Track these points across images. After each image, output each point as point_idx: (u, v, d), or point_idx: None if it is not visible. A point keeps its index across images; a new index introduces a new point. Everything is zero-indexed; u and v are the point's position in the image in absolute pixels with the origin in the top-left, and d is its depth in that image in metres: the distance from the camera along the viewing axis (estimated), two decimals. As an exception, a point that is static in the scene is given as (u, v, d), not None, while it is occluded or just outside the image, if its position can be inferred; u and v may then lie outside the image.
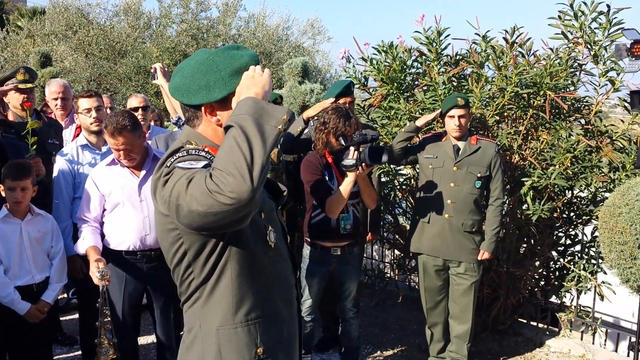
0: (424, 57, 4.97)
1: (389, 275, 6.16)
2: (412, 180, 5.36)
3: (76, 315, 4.47)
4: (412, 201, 5.36)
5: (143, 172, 3.45)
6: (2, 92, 4.22)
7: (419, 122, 4.20)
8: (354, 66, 5.16)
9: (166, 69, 3.61)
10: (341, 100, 4.19)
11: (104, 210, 3.46)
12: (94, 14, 15.13)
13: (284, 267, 1.82)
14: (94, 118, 3.86)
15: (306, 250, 3.87)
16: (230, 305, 1.65)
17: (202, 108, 1.68)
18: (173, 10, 15.14)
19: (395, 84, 4.91)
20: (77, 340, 4.46)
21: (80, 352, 4.14)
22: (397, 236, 5.62)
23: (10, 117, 4.30)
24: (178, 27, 14.92)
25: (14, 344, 3.43)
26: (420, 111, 4.87)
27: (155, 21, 15.30)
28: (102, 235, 3.47)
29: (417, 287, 5.67)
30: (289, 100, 9.20)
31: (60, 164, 3.83)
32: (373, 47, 5.01)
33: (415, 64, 5.06)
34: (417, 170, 4.79)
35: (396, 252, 6.02)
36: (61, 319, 4.89)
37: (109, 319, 3.13)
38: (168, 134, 4.66)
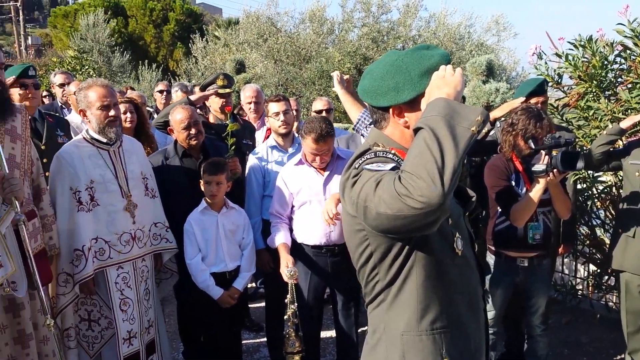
0: (628, 51, 4.43)
1: (582, 292, 5.61)
2: (614, 188, 4.82)
3: (262, 304, 4.78)
4: (612, 212, 4.82)
5: (327, 172, 3.60)
6: (204, 96, 4.67)
7: (624, 124, 3.75)
8: (546, 63, 4.79)
9: (344, 76, 3.68)
10: (532, 100, 3.92)
11: (293, 206, 3.68)
12: (282, 23, 16.15)
13: (470, 277, 1.73)
14: (281, 121, 4.09)
15: (490, 259, 3.68)
16: (415, 312, 1.61)
17: (390, 110, 1.66)
18: (355, 14, 15.54)
19: (595, 82, 4.45)
20: (262, 328, 4.77)
21: (265, 339, 4.43)
22: (593, 250, 5.10)
23: (211, 119, 4.75)
24: (359, 31, 15.28)
25: (208, 326, 3.77)
26: (624, 111, 4.35)
27: (337, 26, 15.85)
28: (291, 230, 3.70)
29: (615, 307, 5.08)
30: (471, 100, 8.90)
31: (252, 163, 4.13)
32: (569, 42, 4.60)
33: (618, 59, 4.54)
34: (620, 178, 4.29)
35: (591, 267, 5.46)
36: (249, 306, 5.27)
37: (297, 313, 3.30)
38: (349, 135, 4.77)
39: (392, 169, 1.48)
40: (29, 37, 36.22)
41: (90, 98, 3.38)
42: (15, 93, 3.89)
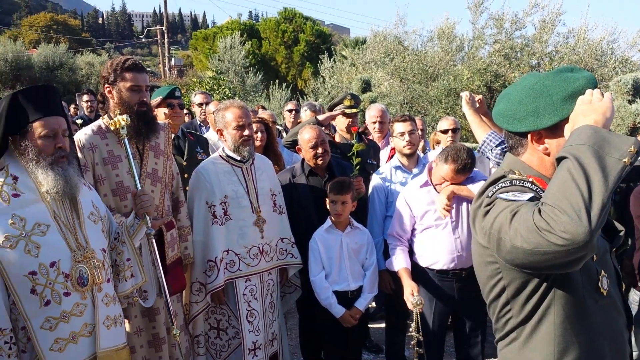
0: None
1: None
2: None
3: (383, 325, 4.72)
4: None
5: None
6: (331, 116, 4.77)
7: None
8: None
9: (476, 97, 3.55)
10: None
11: (414, 229, 3.61)
12: (410, 41, 16.08)
13: (616, 319, 1.58)
14: (406, 141, 4.05)
15: (635, 296, 3.34)
16: (551, 354, 1.49)
17: (529, 135, 1.57)
18: (486, 31, 15.07)
19: None
20: (382, 349, 4.71)
21: (384, 362, 4.37)
22: None
23: (337, 139, 4.82)
24: (490, 48, 14.78)
25: (328, 343, 3.80)
26: None
27: (467, 43, 15.47)
28: (411, 253, 3.62)
29: None
30: (616, 122, 8.23)
31: (375, 182, 4.13)
32: None
33: None
34: None
35: None
36: (369, 326, 5.24)
37: (422, 342, 3.22)
38: (478, 155, 4.60)
39: (530, 199, 1.39)
40: (172, 59, 39.44)
41: (227, 118, 3.59)
42: (162, 112, 4.23)
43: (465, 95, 3.59)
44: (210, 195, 3.57)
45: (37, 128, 2.48)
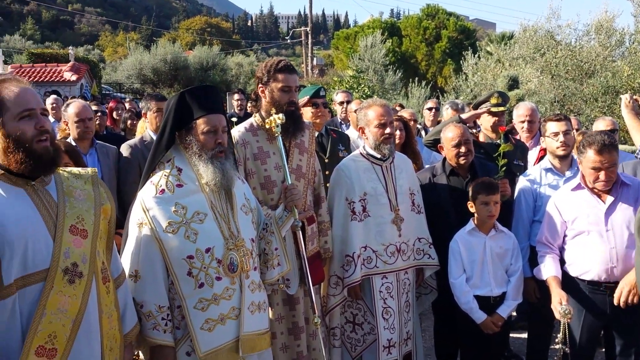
0: None
1: None
2: None
3: (523, 335, 4.50)
4: None
5: (610, 199, 3.22)
6: (476, 115, 4.61)
7: None
8: None
9: (638, 101, 3.24)
10: None
11: (565, 236, 3.38)
12: (563, 35, 15.03)
13: None
14: (561, 142, 3.80)
15: None
16: None
17: None
18: (654, 24, 13.64)
19: None
20: (521, 360, 4.49)
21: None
22: None
23: (481, 138, 4.66)
24: (656, 42, 13.36)
25: (465, 349, 3.70)
26: None
27: (629, 37, 14.12)
28: (561, 262, 3.40)
29: None
30: None
31: (522, 185, 3.93)
32: None
33: None
34: None
35: None
36: (510, 335, 5.01)
37: (568, 355, 3.03)
38: (637, 161, 4.21)
39: None
40: (314, 58, 40.63)
41: (369, 116, 3.63)
42: (308, 111, 4.39)
43: (625, 98, 3.30)
44: (350, 191, 3.64)
45: (201, 124, 2.69)
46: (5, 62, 25.73)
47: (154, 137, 4.69)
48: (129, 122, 7.16)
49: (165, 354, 2.60)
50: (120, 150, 4.63)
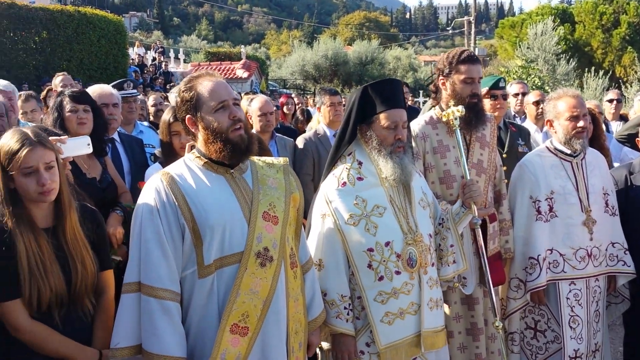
0: None
1: None
2: None
3: None
4: None
5: None
6: None
7: None
8: None
9: None
10: None
11: None
12: None
13: None
14: None
15: None
16: None
17: None
18: None
19: None
20: None
21: None
22: None
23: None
24: None
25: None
26: None
27: None
28: None
29: None
30: None
31: None
32: None
33: None
34: None
35: None
36: None
37: None
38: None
39: None
40: (476, 49, 39.09)
41: (560, 108, 3.36)
42: (486, 103, 4.18)
43: None
44: (535, 189, 3.41)
45: (382, 119, 2.69)
46: (184, 61, 28.42)
47: (327, 131, 4.87)
48: (299, 116, 7.54)
49: (346, 343, 2.65)
50: (296, 142, 4.84)
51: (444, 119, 3.12)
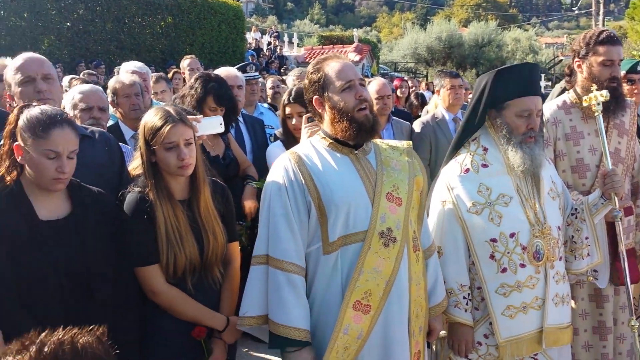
0: None
1: None
2: None
3: None
4: None
5: None
6: None
7: None
8: None
9: None
10: None
11: None
12: None
13: None
14: None
15: None
16: None
17: None
18: None
19: None
20: None
21: None
22: None
23: None
24: None
25: None
26: None
27: None
28: None
29: None
30: None
31: None
32: None
33: None
34: None
35: None
36: None
37: None
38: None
39: None
40: (605, 31, 36.05)
41: None
42: (624, 88, 3.88)
43: None
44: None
45: (514, 106, 2.56)
46: (297, 45, 28.94)
47: (446, 115, 4.75)
48: (414, 101, 7.45)
49: (464, 333, 2.60)
50: (413, 126, 4.77)
51: (585, 104, 2.91)
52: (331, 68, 2.28)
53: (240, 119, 4.18)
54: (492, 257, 2.54)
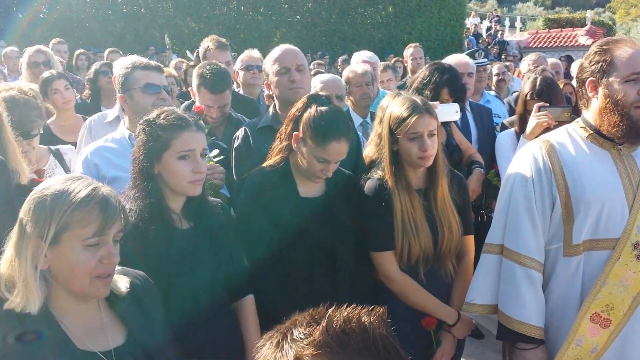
0: None
1: None
2: None
3: None
4: None
5: None
6: None
7: None
8: None
9: None
10: None
11: None
12: None
13: None
14: None
15: None
16: None
17: None
18: None
19: None
20: None
21: None
22: None
23: None
24: None
25: None
26: None
27: None
28: None
29: None
30: None
31: None
32: None
33: None
34: None
35: None
36: None
37: None
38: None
39: None
40: None
41: None
42: None
43: None
44: None
45: None
46: (520, 30, 27.23)
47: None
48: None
49: None
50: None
51: None
52: (622, 52, 1.99)
53: (467, 107, 4.05)
54: None
